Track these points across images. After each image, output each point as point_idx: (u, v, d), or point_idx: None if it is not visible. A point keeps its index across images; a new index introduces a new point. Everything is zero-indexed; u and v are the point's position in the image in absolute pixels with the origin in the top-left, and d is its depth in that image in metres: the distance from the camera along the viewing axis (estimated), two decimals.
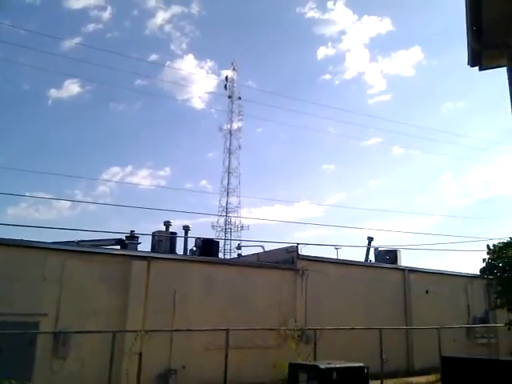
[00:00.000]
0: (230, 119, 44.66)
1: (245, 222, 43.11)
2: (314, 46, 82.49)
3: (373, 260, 25.83)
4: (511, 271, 12.75)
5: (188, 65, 70.30)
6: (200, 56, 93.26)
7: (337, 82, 79.87)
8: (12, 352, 11.78)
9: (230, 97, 45.26)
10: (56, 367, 13.68)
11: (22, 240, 14.35)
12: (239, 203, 43.40)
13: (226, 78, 45.81)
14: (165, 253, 19.10)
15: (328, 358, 12.03)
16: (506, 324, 13.47)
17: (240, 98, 45.23)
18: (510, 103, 5.60)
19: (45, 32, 52.74)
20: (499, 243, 13.40)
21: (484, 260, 13.38)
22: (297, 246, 19.47)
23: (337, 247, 24.21)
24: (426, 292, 22.56)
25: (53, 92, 68.78)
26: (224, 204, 43.09)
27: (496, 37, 5.51)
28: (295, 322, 17.86)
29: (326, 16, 77.98)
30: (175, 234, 21.62)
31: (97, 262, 15.26)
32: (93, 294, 14.68)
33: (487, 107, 77.32)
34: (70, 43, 59.73)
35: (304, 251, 19.85)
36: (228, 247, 39.65)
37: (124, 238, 19.77)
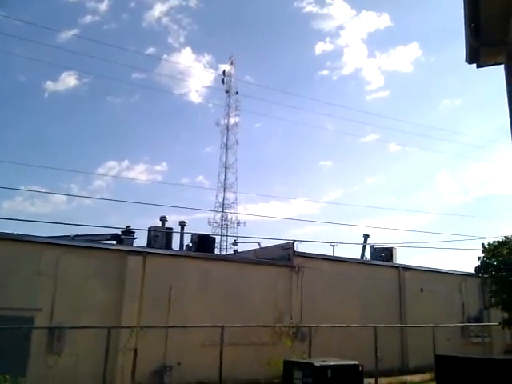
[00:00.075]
0: (228, 114, 44.57)
1: (241, 218, 43.06)
2: (312, 41, 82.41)
3: (368, 257, 25.88)
4: (506, 270, 12.76)
5: (185, 58, 70.12)
6: (198, 50, 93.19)
7: (335, 78, 79.83)
8: (6, 347, 11.74)
9: (227, 91, 45.17)
10: (51, 362, 13.66)
11: (17, 234, 14.32)
12: (236, 199, 43.35)
13: (224, 72, 45.71)
14: (161, 248, 19.06)
15: (323, 355, 12.05)
16: (500, 323, 13.49)
17: (237, 92, 45.15)
18: (507, 101, 5.60)
19: (41, 23, 52.86)
20: (494, 242, 13.42)
21: (479, 258, 13.39)
22: (293, 243, 19.50)
23: (333, 244, 24.22)
24: (421, 290, 22.60)
25: (49, 84, 68.49)
26: (220, 200, 43.04)
27: (494, 34, 5.51)
28: (291, 318, 17.90)
29: (325, 11, 78.04)
30: (171, 229, 21.57)
31: (92, 257, 15.23)
32: (88, 289, 14.66)
33: (484, 105, 77.44)
34: (66, 35, 59.30)
35: (300, 248, 19.89)
36: (224, 243, 39.67)
37: (120, 233, 19.73)
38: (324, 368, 10.34)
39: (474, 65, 6.20)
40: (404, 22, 78.05)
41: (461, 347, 21.03)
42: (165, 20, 73.96)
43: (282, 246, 19.80)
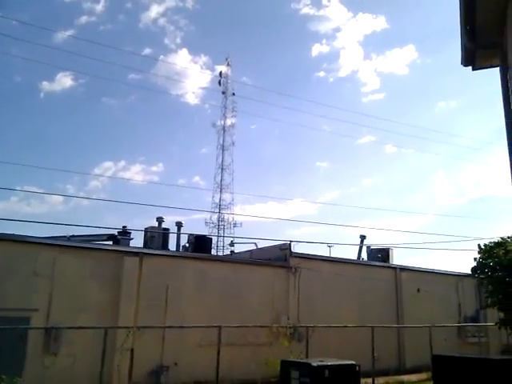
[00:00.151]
0: (224, 115, 44.56)
1: (238, 218, 43.07)
2: (309, 42, 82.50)
3: (365, 258, 25.93)
4: (502, 271, 12.80)
5: (182, 59, 70.08)
6: (194, 51, 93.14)
7: (331, 80, 79.97)
8: (3, 347, 11.72)
9: (223, 92, 45.15)
10: (47, 363, 13.64)
11: (13, 234, 14.29)
12: (232, 200, 43.35)
13: (220, 73, 45.69)
14: (157, 249, 19.06)
15: (320, 355, 12.07)
16: (496, 323, 13.52)
17: (234, 94, 45.15)
18: (502, 103, 5.63)
19: (37, 24, 52.65)
20: (490, 243, 13.46)
21: (475, 259, 13.44)
22: (290, 244, 19.51)
23: (329, 245, 24.28)
24: (418, 290, 22.66)
25: (45, 85, 68.33)
26: (217, 200, 43.02)
27: (490, 37, 5.54)
28: (288, 319, 17.92)
29: (321, 12, 77.98)
30: (168, 230, 21.58)
31: (89, 257, 15.21)
32: (84, 289, 14.64)
33: (480, 107, 77.82)
34: (62, 35, 59.33)
35: (297, 249, 19.89)
36: (221, 244, 39.66)
37: (116, 234, 19.72)
38: (321, 368, 10.36)
39: (470, 67, 6.23)
40: (400, 24, 78.33)
41: (457, 347, 21.09)
42: (161, 21, 73.91)
43: (278, 247, 19.82)
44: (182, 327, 14.84)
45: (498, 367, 9.77)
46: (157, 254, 17.09)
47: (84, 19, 68.51)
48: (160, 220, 21.46)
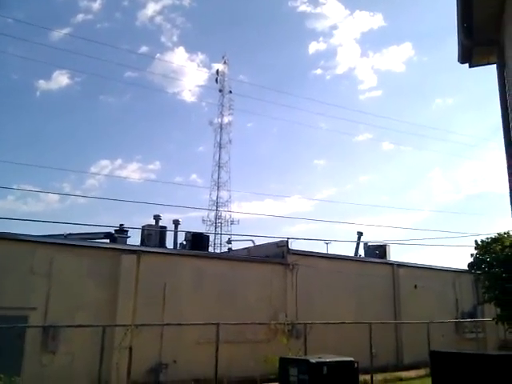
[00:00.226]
0: (221, 113, 44.60)
1: (235, 216, 43.14)
2: (306, 40, 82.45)
3: (362, 255, 25.97)
4: (499, 266, 12.86)
5: (179, 57, 70.00)
6: (191, 49, 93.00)
7: (328, 77, 79.95)
8: (0, 347, 11.71)
9: (220, 90, 45.17)
10: (45, 361, 13.62)
11: (10, 233, 14.25)
12: (230, 197, 43.42)
13: (217, 71, 45.68)
14: (155, 247, 19.05)
15: (318, 352, 12.09)
16: (493, 318, 13.59)
17: (231, 91, 45.17)
18: (499, 100, 5.63)
19: (34, 22, 52.33)
20: (487, 239, 13.51)
21: (472, 255, 13.49)
22: (287, 241, 19.51)
23: (327, 242, 24.31)
24: (415, 287, 22.70)
25: (42, 83, 68.17)
26: (214, 198, 43.06)
27: (487, 34, 5.53)
28: (286, 316, 17.94)
29: (318, 10, 78.04)
30: (165, 227, 21.57)
31: (86, 255, 15.19)
32: (82, 287, 14.62)
33: (477, 104, 77.88)
34: (59, 33, 58.99)
35: (294, 246, 19.91)
36: (218, 241, 39.70)
37: (113, 232, 19.69)
38: (320, 365, 10.37)
39: (467, 64, 6.23)
40: (397, 21, 78.33)
41: (455, 343, 21.19)
42: (158, 19, 73.80)
43: (276, 244, 19.83)
44: (180, 325, 14.83)
45: (496, 363, 9.79)
46: (154, 252, 17.08)
47: (80, 17, 68.44)
48: (157, 218, 21.46)
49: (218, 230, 41.84)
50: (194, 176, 75.54)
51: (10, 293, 13.48)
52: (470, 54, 5.95)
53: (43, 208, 68.07)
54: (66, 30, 67.01)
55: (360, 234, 27.22)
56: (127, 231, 20.29)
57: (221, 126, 44.13)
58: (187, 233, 21.67)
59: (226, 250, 29.53)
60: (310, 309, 18.34)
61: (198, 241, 20.81)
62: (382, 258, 24.42)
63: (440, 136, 77.94)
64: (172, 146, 75.14)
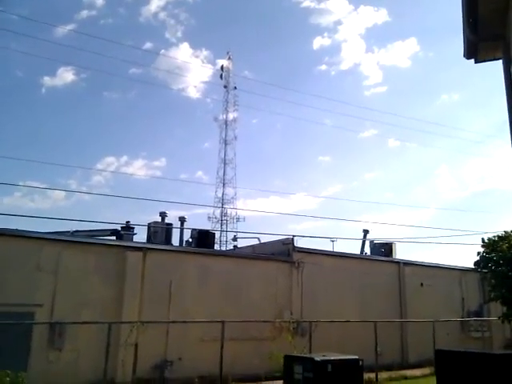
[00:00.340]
0: (226, 109, 44.56)
1: (241, 213, 43.18)
2: (310, 36, 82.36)
3: (368, 253, 25.91)
4: (505, 265, 12.77)
5: (183, 53, 70.10)
6: (195, 45, 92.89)
7: (333, 73, 79.84)
8: (7, 343, 11.80)
9: (225, 86, 45.14)
10: (52, 358, 13.70)
11: (16, 230, 14.34)
12: (235, 194, 43.42)
13: (222, 67, 45.68)
14: (160, 244, 19.10)
15: (323, 350, 12.07)
16: (499, 317, 13.50)
17: (236, 87, 45.14)
18: (505, 96, 5.59)
19: (38, 18, 52.48)
20: (494, 237, 13.42)
21: (478, 253, 13.40)
22: (292, 238, 19.50)
23: (332, 240, 24.28)
24: (421, 285, 22.62)
25: (47, 80, 68.47)
26: (220, 195, 43.12)
27: (492, 29, 5.49)
28: (291, 314, 17.93)
29: (322, 5, 77.81)
30: (171, 225, 21.62)
31: (92, 252, 15.25)
32: (88, 284, 14.68)
33: (483, 100, 77.53)
34: (63, 30, 59.50)
35: (300, 243, 19.90)
36: (224, 239, 39.72)
37: (119, 229, 19.78)
38: (324, 363, 10.36)
39: (472, 60, 6.19)
40: (402, 17, 78.06)
41: (461, 342, 21.09)
42: (162, 15, 73.84)
43: (281, 242, 19.81)
44: (185, 322, 14.87)
45: (501, 362, 9.75)
46: (160, 249, 17.12)
47: (85, 13, 68.63)
48: (163, 215, 21.51)
49: (224, 227, 41.89)
50: (199, 173, 75.83)
51: (17, 289, 13.56)
52: (476, 50, 5.91)
53: (50, 205, 68.50)
54: (70, 27, 67.38)
55: (366, 232, 27.16)
56: (133, 228, 20.40)
57: (226, 123, 44.13)
58: (193, 230, 21.71)
59: (232, 248, 29.56)
60: (315, 307, 18.32)
61: (203, 238, 20.83)
62: (387, 256, 24.34)
63: (446, 132, 77.90)
64: (177, 142, 75.35)
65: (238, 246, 27.46)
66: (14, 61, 60.09)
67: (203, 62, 71.31)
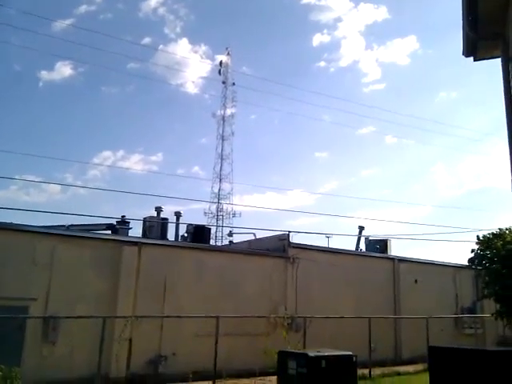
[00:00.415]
0: (224, 105, 44.57)
1: (237, 209, 43.20)
2: (310, 32, 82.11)
3: (363, 249, 25.98)
4: (499, 262, 12.81)
5: (182, 49, 69.89)
6: (194, 40, 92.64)
7: (332, 70, 79.81)
8: (0, 337, 11.75)
9: (223, 82, 45.16)
10: (46, 352, 13.65)
11: (11, 223, 14.27)
12: (232, 190, 43.46)
13: (221, 63, 45.65)
14: (156, 238, 19.07)
15: (317, 345, 12.12)
16: (492, 314, 13.57)
17: (234, 83, 45.15)
18: (503, 94, 5.59)
19: (36, 12, 52.06)
20: (489, 234, 13.46)
21: (473, 250, 13.44)
22: (288, 234, 19.49)
23: (328, 236, 24.30)
24: (415, 281, 22.70)
25: (44, 74, 68.12)
26: (216, 190, 43.14)
27: (492, 27, 5.48)
28: (285, 309, 17.95)
29: (322, 2, 77.61)
30: (167, 219, 21.60)
31: (87, 246, 15.19)
32: (83, 279, 14.64)
33: (481, 98, 77.67)
34: (61, 24, 59.08)
35: (295, 239, 19.89)
36: (220, 234, 39.73)
37: (115, 223, 19.74)
38: (318, 358, 10.39)
39: (471, 58, 6.18)
40: (401, 14, 77.94)
41: (454, 338, 21.23)
42: (161, 10, 73.54)
43: (277, 237, 19.81)
44: (179, 317, 14.86)
45: (494, 359, 9.79)
46: (155, 244, 17.08)
47: (83, 8, 68.22)
48: (159, 210, 21.49)
49: (220, 222, 41.91)
50: (196, 168, 75.66)
51: (11, 283, 13.49)
52: (475, 48, 5.91)
53: (46, 198, 68.29)
54: (69, 21, 66.77)
55: (361, 229, 27.26)
56: (129, 223, 20.36)
57: (223, 118, 44.13)
58: (189, 225, 21.69)
59: (228, 243, 29.57)
60: (309, 302, 18.35)
61: (199, 233, 20.81)
62: (383, 252, 24.43)
63: (443, 130, 77.89)
64: (174, 137, 75.20)
65: (234, 241, 27.47)
66: (12, 55, 59.72)
67: (202, 58, 71.22)
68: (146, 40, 69.98)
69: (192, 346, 15.35)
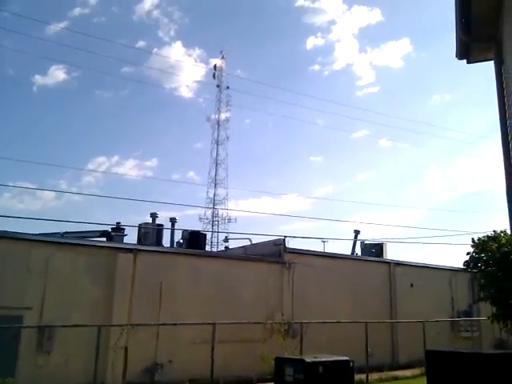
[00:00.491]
0: (218, 109, 44.49)
1: (232, 214, 43.09)
2: (304, 35, 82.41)
3: (359, 253, 25.96)
4: (495, 265, 12.82)
5: (176, 52, 69.85)
6: (188, 44, 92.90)
7: (326, 73, 80.00)
8: None
9: (218, 86, 45.07)
10: (41, 362, 13.52)
11: (5, 231, 14.15)
12: (227, 195, 43.32)
13: (215, 66, 45.61)
14: (151, 245, 18.99)
15: (314, 351, 12.08)
16: (489, 317, 13.55)
17: (228, 87, 45.09)
18: (497, 97, 5.59)
19: (29, 15, 51.96)
20: (484, 237, 13.47)
21: (468, 253, 13.45)
22: (284, 239, 19.46)
23: (324, 240, 24.30)
24: (411, 285, 22.69)
25: (38, 78, 67.90)
26: (211, 196, 42.98)
27: (484, 30, 5.50)
28: (282, 315, 17.89)
29: (316, 5, 77.83)
30: (162, 226, 21.53)
31: (82, 254, 15.10)
32: (78, 286, 14.54)
33: (474, 101, 78.09)
34: (55, 27, 58.86)
35: (292, 244, 19.86)
36: (215, 240, 39.60)
37: (110, 230, 19.65)
38: (315, 364, 10.35)
39: (465, 61, 6.20)
40: (395, 17, 78.35)
41: (451, 342, 21.19)
42: (155, 13, 73.53)
43: (273, 242, 19.76)
44: (175, 324, 14.77)
45: (491, 362, 9.79)
46: (151, 251, 17.01)
47: (77, 11, 68.17)
48: (154, 216, 21.42)
49: (215, 228, 41.78)
50: (191, 173, 75.70)
51: (6, 292, 13.36)
52: (468, 50, 5.92)
53: (40, 206, 67.90)
54: (62, 24, 66.89)
55: (357, 233, 27.25)
56: (124, 229, 20.28)
57: (218, 123, 44.06)
58: (184, 231, 21.62)
59: (223, 249, 29.49)
60: (306, 308, 18.29)
61: (194, 239, 20.75)
62: (378, 256, 24.43)
63: (437, 133, 78.39)
64: (169, 142, 75.03)
65: (230, 246, 27.41)
66: (5, 58, 59.48)
67: (196, 61, 71.24)
68: (140, 43, 70.05)
69: (188, 354, 15.24)
